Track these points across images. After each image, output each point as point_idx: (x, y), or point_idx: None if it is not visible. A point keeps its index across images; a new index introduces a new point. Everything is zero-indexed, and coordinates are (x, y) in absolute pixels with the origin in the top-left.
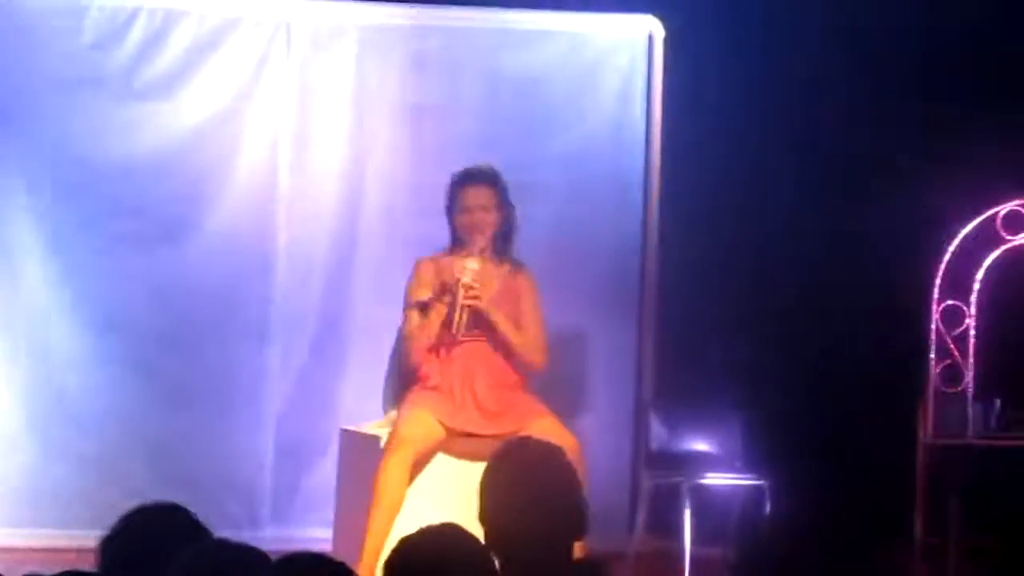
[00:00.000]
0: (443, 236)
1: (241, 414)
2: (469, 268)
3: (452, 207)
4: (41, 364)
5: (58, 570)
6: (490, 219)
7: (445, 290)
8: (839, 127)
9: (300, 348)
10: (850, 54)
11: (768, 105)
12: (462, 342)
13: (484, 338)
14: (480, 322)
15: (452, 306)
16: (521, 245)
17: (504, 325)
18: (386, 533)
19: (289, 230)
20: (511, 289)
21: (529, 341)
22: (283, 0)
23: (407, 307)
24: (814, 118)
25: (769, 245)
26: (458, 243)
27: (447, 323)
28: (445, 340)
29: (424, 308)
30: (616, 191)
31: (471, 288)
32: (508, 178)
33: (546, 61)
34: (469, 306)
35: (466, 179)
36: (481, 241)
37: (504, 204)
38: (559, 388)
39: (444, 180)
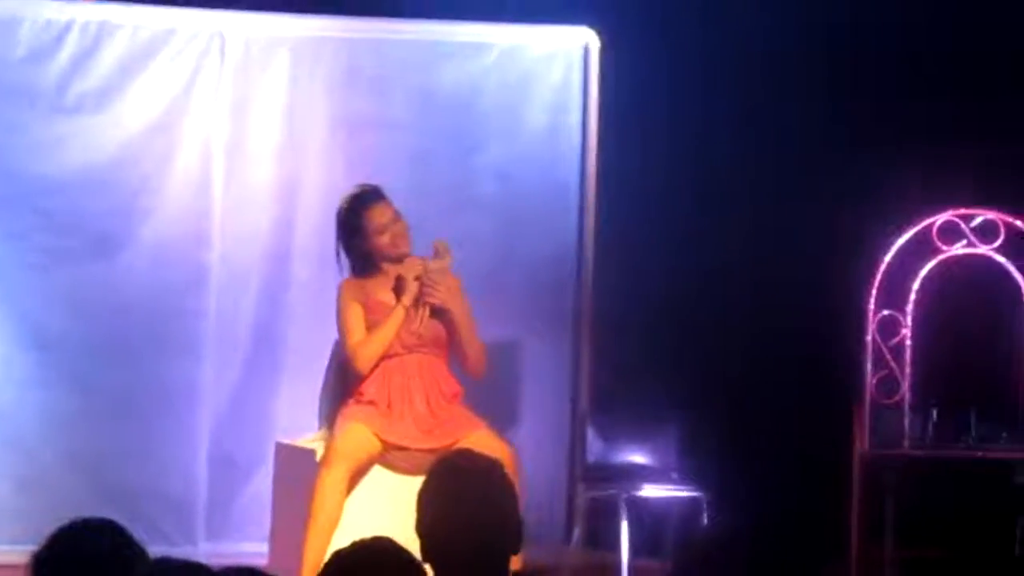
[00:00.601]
0: None
1: (175, 428)
2: (420, 263)
3: (359, 232)
4: None
5: None
6: (404, 226)
7: (400, 291)
8: (774, 136)
9: (234, 362)
10: (786, 61)
11: (704, 114)
12: (398, 355)
13: (423, 351)
14: (442, 319)
15: (413, 303)
16: (456, 256)
17: (462, 319)
18: (324, 548)
19: (223, 244)
20: (452, 294)
21: (474, 342)
22: (216, 12)
23: (344, 322)
24: (750, 127)
25: (706, 256)
26: (372, 264)
27: (408, 321)
28: (387, 353)
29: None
30: (552, 202)
31: (427, 284)
32: (442, 189)
33: (480, 73)
34: (428, 302)
35: (369, 199)
36: (407, 248)
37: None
38: (495, 399)
39: None
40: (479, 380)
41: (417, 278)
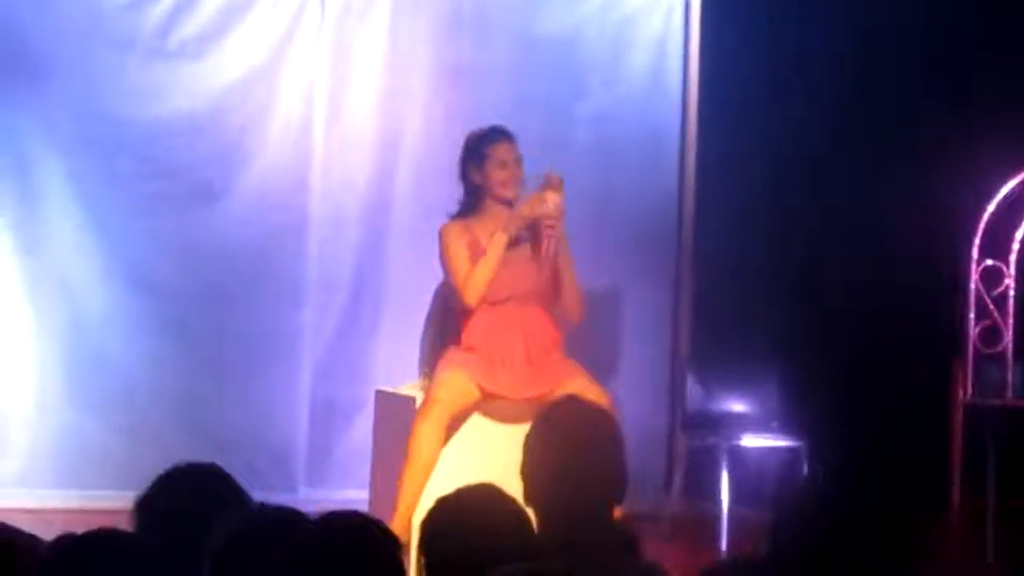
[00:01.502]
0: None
1: (276, 376)
2: (551, 199)
3: (482, 162)
4: (75, 326)
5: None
6: (521, 175)
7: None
8: (875, 87)
9: (335, 309)
10: (884, 15)
11: (803, 64)
12: (502, 303)
13: (525, 299)
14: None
15: (539, 238)
16: None
17: (566, 263)
18: (419, 493)
19: (324, 191)
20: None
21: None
22: None
23: (450, 261)
24: (849, 77)
25: (806, 205)
26: (477, 202)
27: (537, 257)
28: (489, 299)
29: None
30: (652, 149)
31: (554, 219)
32: (544, 137)
33: (581, 21)
34: (552, 236)
35: (500, 135)
36: (516, 195)
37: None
38: (595, 347)
39: None
40: (577, 325)
41: (544, 212)
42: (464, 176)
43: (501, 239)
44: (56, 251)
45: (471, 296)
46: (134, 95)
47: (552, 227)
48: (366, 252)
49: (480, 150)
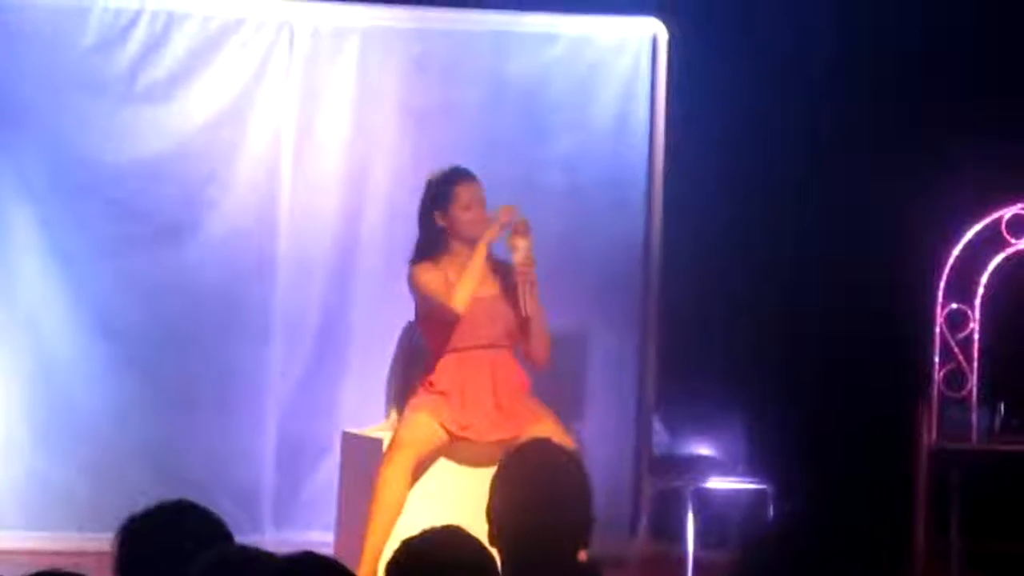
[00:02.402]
0: None
1: (242, 417)
2: (520, 247)
3: (448, 204)
4: (42, 368)
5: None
6: (485, 216)
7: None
8: (842, 129)
9: (302, 351)
10: (852, 54)
11: (771, 106)
12: (470, 348)
13: (493, 343)
14: (515, 307)
15: (511, 285)
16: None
17: (540, 309)
18: (387, 536)
19: (291, 232)
20: (514, 288)
21: (544, 338)
22: (285, 1)
23: (432, 290)
24: (817, 118)
25: (773, 248)
26: (441, 244)
27: (509, 301)
28: (458, 345)
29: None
30: (619, 193)
31: (526, 265)
32: (511, 179)
33: (548, 63)
34: (526, 283)
35: (464, 175)
36: (479, 237)
37: None
38: (561, 391)
39: None
40: (543, 371)
41: (517, 261)
42: (426, 219)
43: (482, 249)
44: (23, 294)
45: (460, 303)
46: (102, 138)
47: (525, 274)
48: (333, 293)
49: (445, 192)
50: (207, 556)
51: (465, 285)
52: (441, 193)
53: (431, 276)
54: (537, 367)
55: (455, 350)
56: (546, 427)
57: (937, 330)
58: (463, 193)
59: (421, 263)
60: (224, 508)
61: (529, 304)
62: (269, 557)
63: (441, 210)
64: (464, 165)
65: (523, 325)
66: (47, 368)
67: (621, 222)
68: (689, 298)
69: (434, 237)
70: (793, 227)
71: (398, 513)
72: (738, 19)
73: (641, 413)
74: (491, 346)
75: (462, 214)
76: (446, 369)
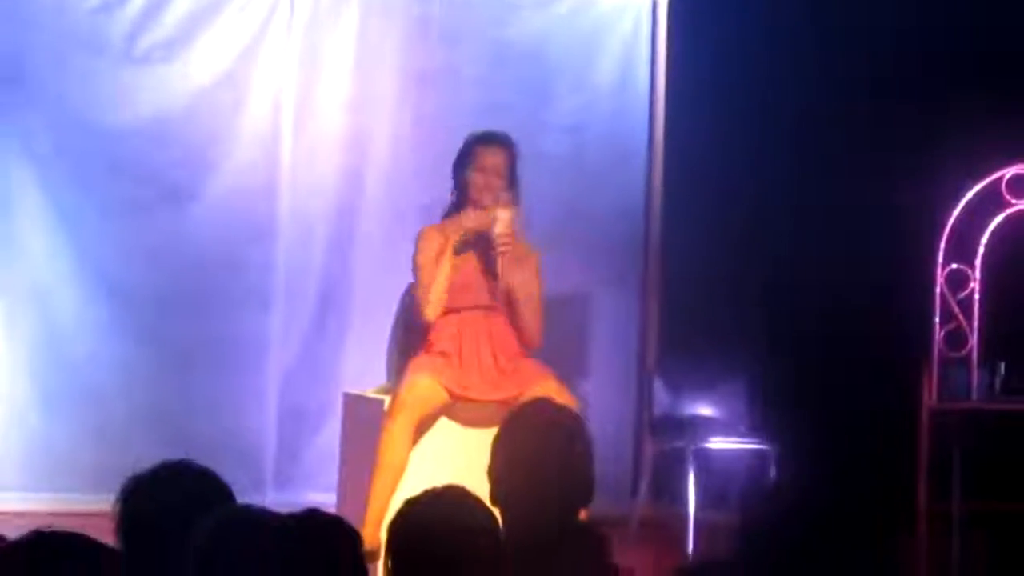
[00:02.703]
0: (445, 203)
1: (244, 379)
2: (502, 218)
3: (466, 163)
4: (44, 330)
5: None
6: (499, 185)
7: (471, 242)
8: (841, 92)
9: (303, 314)
10: (850, 23)
11: (769, 70)
12: (469, 310)
13: (490, 308)
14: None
15: (493, 256)
16: (526, 208)
17: (527, 293)
18: (389, 496)
19: (292, 195)
20: (521, 265)
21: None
22: None
23: (419, 269)
24: (815, 83)
25: (773, 210)
26: (461, 203)
27: (492, 274)
28: (456, 305)
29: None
30: (620, 155)
31: (505, 237)
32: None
33: (549, 26)
34: (502, 254)
35: (488, 139)
36: (488, 203)
37: (514, 177)
38: (563, 352)
39: (448, 147)
40: (533, 349)
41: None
42: (454, 177)
43: (447, 263)
44: (27, 256)
45: (430, 313)
46: (104, 100)
47: (505, 244)
48: (334, 256)
49: (467, 151)
50: (211, 516)
51: (434, 296)
52: (465, 151)
53: (424, 257)
54: (524, 345)
55: (454, 311)
56: (548, 386)
57: (938, 291)
58: (481, 156)
59: (429, 228)
60: (227, 470)
61: (505, 276)
62: (273, 516)
63: (461, 167)
64: (459, 129)
65: (507, 298)
66: (50, 330)
67: (622, 183)
68: (691, 260)
69: (457, 194)
70: (793, 190)
71: (401, 474)
72: None
73: (642, 373)
74: (489, 307)
75: (475, 176)
76: (445, 329)
